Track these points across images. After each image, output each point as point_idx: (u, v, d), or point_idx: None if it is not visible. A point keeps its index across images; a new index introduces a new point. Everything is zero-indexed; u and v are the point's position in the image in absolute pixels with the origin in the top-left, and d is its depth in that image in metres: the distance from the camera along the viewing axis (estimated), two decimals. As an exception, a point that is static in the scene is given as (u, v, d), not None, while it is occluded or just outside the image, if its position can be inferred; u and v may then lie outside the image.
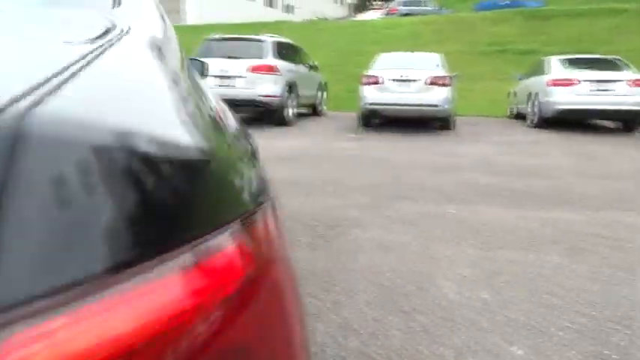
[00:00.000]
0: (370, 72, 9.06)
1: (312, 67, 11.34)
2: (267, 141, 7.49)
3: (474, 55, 17.42)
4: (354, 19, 32.45)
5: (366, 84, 8.86)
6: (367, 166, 5.67)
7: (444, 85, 8.55)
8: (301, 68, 10.38)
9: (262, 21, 23.40)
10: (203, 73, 3.06)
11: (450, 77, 8.79)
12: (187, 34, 17.89)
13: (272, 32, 11.31)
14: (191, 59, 3.10)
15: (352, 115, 9.99)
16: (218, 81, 8.78)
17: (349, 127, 9.31)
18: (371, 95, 8.74)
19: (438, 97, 8.49)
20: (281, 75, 9.00)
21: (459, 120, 9.63)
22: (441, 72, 8.84)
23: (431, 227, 3.49)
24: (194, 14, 27.46)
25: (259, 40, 9.23)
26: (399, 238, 3.25)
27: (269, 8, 34.30)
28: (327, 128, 9.37)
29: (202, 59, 9.01)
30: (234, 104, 7.73)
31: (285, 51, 9.68)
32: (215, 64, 8.73)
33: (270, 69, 8.84)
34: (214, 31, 11.93)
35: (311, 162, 5.91)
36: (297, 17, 32.71)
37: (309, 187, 4.63)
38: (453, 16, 23.28)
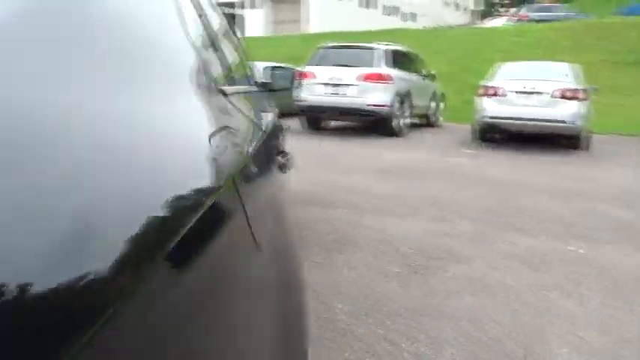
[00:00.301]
0: (490, 82, 8.37)
1: (428, 76, 10.82)
2: (374, 151, 7.21)
3: (616, 66, 15.58)
4: (478, 26, 30.96)
5: (484, 95, 8.19)
6: (479, 187, 5.12)
7: (575, 98, 7.60)
8: (415, 77, 9.93)
9: (381, 29, 23.18)
10: (292, 82, 2.86)
11: (584, 90, 7.79)
12: (308, 41, 18.25)
13: (390, 40, 10.99)
14: (278, 67, 2.91)
15: (468, 128, 9.33)
16: (329, 89, 8.69)
17: (464, 140, 8.68)
18: (490, 107, 8.05)
19: (567, 112, 7.56)
20: (392, 84, 8.65)
21: (594, 138, 8.50)
22: (573, 84, 7.87)
23: (549, 269, 2.94)
24: (316, 23, 28.11)
25: (371, 48, 8.96)
26: (508, 279, 2.76)
27: (389, 17, 34.07)
28: (440, 141, 8.83)
29: (310, 67, 8.97)
30: (343, 112, 7.56)
31: (399, 59, 9.32)
32: (326, 72, 8.68)
33: (381, 77, 8.53)
34: (333, 39, 11.92)
35: (417, 177, 5.50)
36: (418, 25, 32.07)
37: (410, 206, 4.24)
38: (591, 21, 21.13)
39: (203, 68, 0.78)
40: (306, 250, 3.12)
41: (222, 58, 1.19)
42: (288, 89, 2.94)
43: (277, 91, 2.86)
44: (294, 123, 9.77)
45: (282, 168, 1.18)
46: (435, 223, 3.79)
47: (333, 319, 2.24)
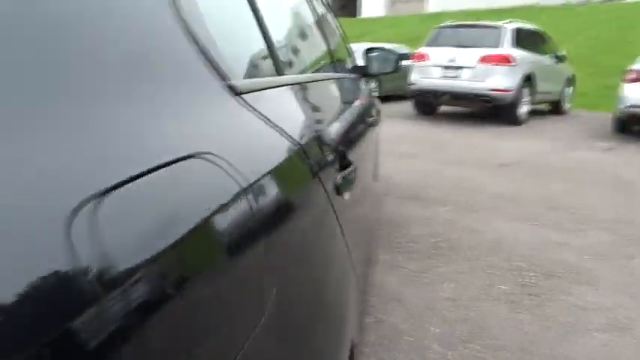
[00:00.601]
0: (638, 65, 7.20)
1: (559, 58, 9.66)
2: (489, 141, 6.58)
3: None
4: (625, 1, 27.35)
5: (629, 81, 7.06)
6: (614, 190, 4.37)
7: None
8: (544, 59, 8.91)
9: (509, 6, 21.42)
10: (396, 66, 2.52)
11: None
12: (429, 21, 17.42)
13: (520, 18, 9.98)
14: (379, 49, 2.57)
15: (603, 117, 8.20)
16: (444, 71, 8.10)
17: (597, 132, 7.62)
18: (635, 95, 6.92)
19: None
20: (517, 66, 7.82)
21: None
22: None
23: None
24: (437, 2, 26.81)
25: (495, 27, 8.15)
26: (650, 315, 2.22)
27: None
28: (568, 131, 7.84)
29: (423, 48, 8.43)
30: (458, 97, 6.99)
31: (526, 39, 8.40)
32: (443, 54, 8.10)
33: (505, 59, 7.74)
34: (455, 18, 11.13)
35: (537, 173, 4.86)
36: (553, 1, 29.24)
37: (528, 208, 3.71)
38: None
39: (199, 61, 0.52)
40: (401, 254, 2.81)
41: (279, 44, 0.93)
42: (389, 74, 2.61)
43: (374, 76, 2.55)
44: (406, 107, 9.33)
45: (339, 189, 0.87)
46: (557, 232, 3.25)
47: (422, 345, 1.92)
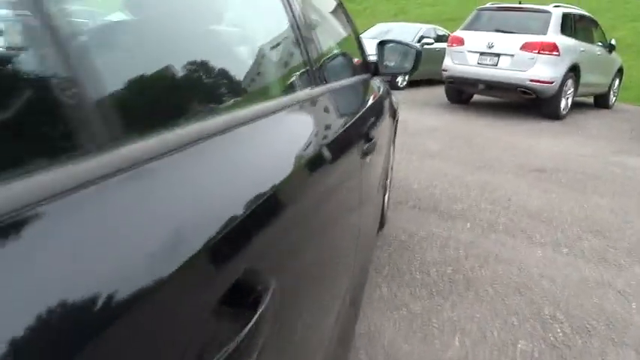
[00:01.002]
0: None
1: (607, 48, 8.84)
2: (524, 138, 6.01)
3: None
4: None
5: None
6: (667, 209, 3.80)
7: None
8: (592, 48, 8.14)
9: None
10: (415, 64, 2.04)
11: None
12: (467, 0, 16.45)
13: (565, 2, 9.16)
14: (394, 42, 2.09)
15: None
16: (479, 58, 7.46)
17: (647, 133, 6.92)
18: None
19: None
20: (563, 56, 7.12)
21: None
22: None
23: None
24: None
25: (543, 12, 7.42)
26: None
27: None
28: (613, 129, 7.15)
29: (459, 32, 7.78)
30: (494, 87, 6.38)
31: (573, 26, 7.65)
32: (480, 39, 7.46)
33: (550, 47, 7.04)
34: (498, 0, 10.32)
35: (577, 183, 4.30)
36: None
37: (562, 230, 3.20)
38: None
39: None
40: (406, 288, 2.37)
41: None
42: (406, 73, 2.15)
43: (388, 75, 2.09)
44: (439, 93, 8.75)
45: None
46: (597, 266, 2.74)
47: None
